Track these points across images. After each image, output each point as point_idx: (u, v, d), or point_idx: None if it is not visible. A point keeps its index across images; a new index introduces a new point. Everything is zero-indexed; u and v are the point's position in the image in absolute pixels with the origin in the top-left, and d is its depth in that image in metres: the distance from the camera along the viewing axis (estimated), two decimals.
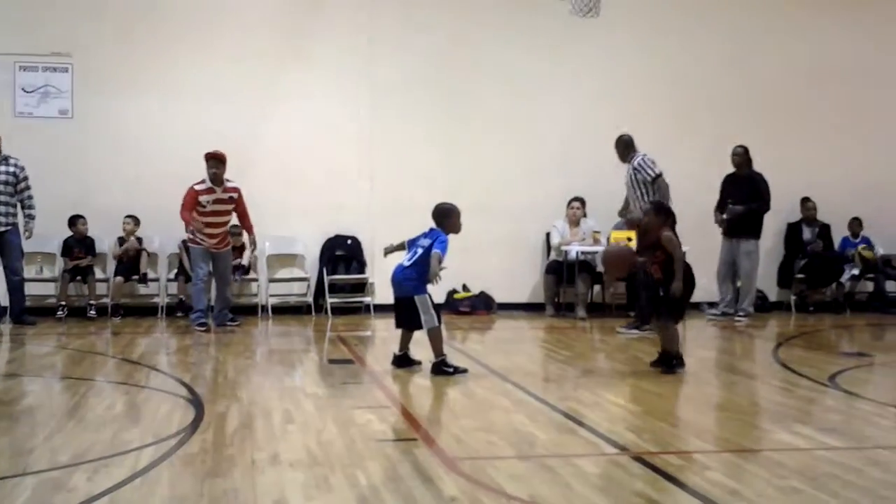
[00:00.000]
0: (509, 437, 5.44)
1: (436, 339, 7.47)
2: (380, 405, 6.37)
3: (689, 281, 7.74)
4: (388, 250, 7.96)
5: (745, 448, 5.39)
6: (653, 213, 7.77)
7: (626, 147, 10.81)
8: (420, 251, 7.50)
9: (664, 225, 7.62)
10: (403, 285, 7.54)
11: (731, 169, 12.17)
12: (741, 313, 11.93)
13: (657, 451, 5.11)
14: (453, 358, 7.79)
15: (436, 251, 7.39)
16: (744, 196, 11.88)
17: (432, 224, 7.85)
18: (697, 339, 10.83)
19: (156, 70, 12.23)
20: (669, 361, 7.64)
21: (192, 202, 10.45)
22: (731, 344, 10.55)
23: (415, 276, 7.46)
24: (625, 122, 11.79)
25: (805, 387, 7.28)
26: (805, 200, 13.20)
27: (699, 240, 12.37)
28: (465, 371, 7.49)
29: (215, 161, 10.50)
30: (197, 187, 10.50)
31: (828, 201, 13.17)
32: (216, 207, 10.57)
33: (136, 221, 11.91)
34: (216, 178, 10.51)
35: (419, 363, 7.73)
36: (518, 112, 12.80)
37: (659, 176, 10.50)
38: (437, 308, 7.66)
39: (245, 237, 11.44)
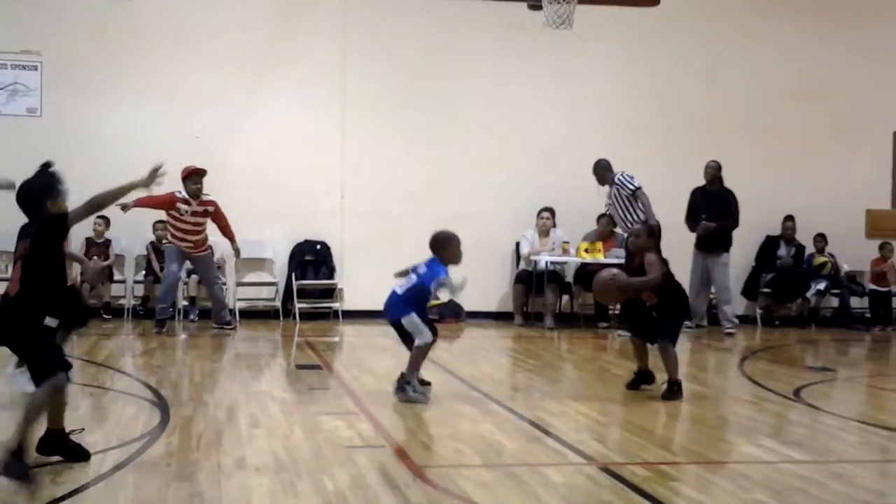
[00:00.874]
0: (477, 446, 5.44)
1: (417, 357, 6.98)
2: (347, 411, 6.35)
3: (683, 303, 7.57)
4: (398, 274, 7.62)
5: (711, 460, 5.42)
6: (644, 235, 7.40)
7: (605, 171, 11.09)
8: (415, 280, 7.08)
9: (653, 247, 7.35)
10: (390, 310, 7.13)
11: (693, 180, 12.21)
12: (729, 325, 11.91)
13: (624, 461, 5.13)
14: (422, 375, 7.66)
15: (441, 279, 7.12)
16: (715, 211, 11.92)
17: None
18: None
19: (128, 71, 12.13)
20: (672, 387, 7.15)
21: (165, 200, 10.38)
22: (697, 357, 10.61)
23: (401, 302, 7.07)
24: (598, 135, 11.89)
25: (770, 400, 7.33)
26: (787, 219, 13.20)
27: (670, 253, 12.50)
28: (423, 399, 6.81)
29: (197, 177, 10.56)
30: (178, 195, 10.51)
31: (798, 217, 13.21)
32: (192, 219, 10.67)
33: (107, 223, 11.80)
34: (197, 193, 10.56)
35: (429, 384, 7.27)
36: (490, 122, 12.81)
37: (639, 188, 10.78)
38: (432, 323, 7.35)
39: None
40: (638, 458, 5.20)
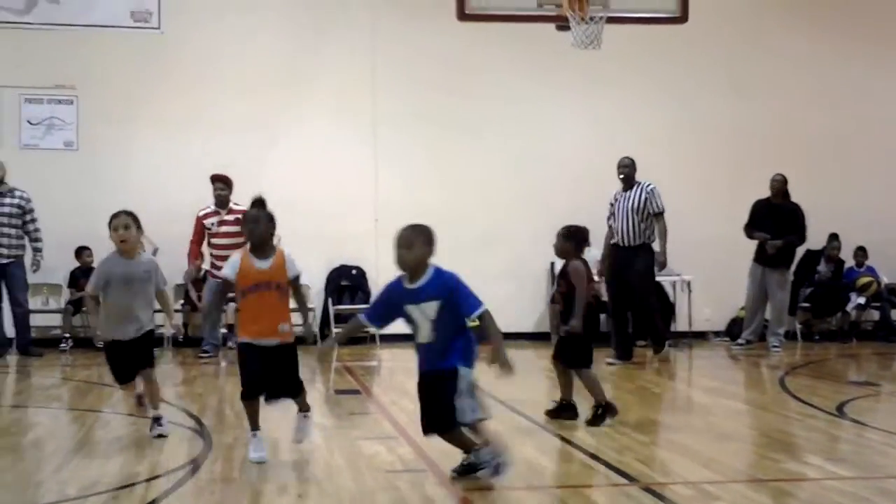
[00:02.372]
0: (518, 468, 5.41)
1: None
2: (387, 436, 6.36)
3: (593, 320, 6.93)
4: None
5: (754, 478, 5.36)
6: (562, 238, 6.89)
7: (635, 171, 10.53)
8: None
9: (577, 253, 6.84)
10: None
11: (741, 195, 12.06)
12: (776, 343, 11.63)
13: (666, 481, 5.10)
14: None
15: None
16: (780, 225, 11.56)
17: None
18: (704, 368, 10.83)
19: (161, 102, 12.31)
20: (596, 411, 6.67)
21: (198, 231, 10.51)
22: (737, 373, 10.53)
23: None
24: (633, 152, 11.80)
25: (814, 416, 7.25)
26: (832, 238, 13.01)
27: (707, 267, 12.45)
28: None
29: (221, 183, 10.55)
30: (201, 213, 10.54)
31: (838, 229, 13.07)
32: (223, 230, 10.56)
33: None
34: (221, 200, 10.52)
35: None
36: (522, 143, 12.85)
37: (664, 211, 10.38)
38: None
39: None
40: (681, 478, 5.17)
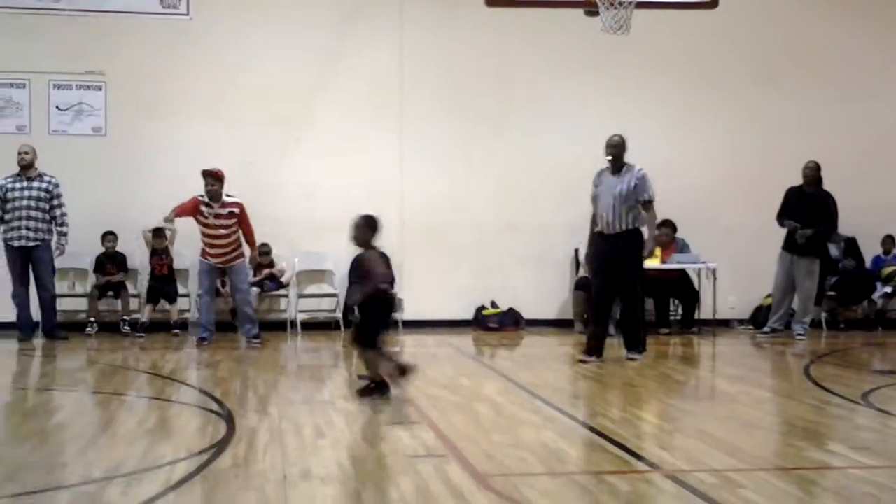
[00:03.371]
0: (540, 454, 5.42)
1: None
2: (409, 421, 6.38)
3: (386, 307, 7.38)
4: None
5: (778, 466, 5.34)
6: (359, 227, 7.29)
7: (624, 150, 9.40)
8: None
9: (372, 242, 7.28)
10: None
11: (769, 182, 11.95)
12: (801, 331, 11.52)
13: (689, 468, 5.08)
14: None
15: None
16: (811, 213, 11.39)
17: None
18: (728, 356, 10.78)
19: (188, 89, 12.34)
20: (369, 385, 7.19)
21: (190, 206, 10.49)
22: (762, 361, 10.48)
23: None
24: (658, 140, 11.76)
25: (838, 405, 7.21)
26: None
27: (732, 254, 12.38)
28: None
29: (212, 178, 10.50)
30: (200, 197, 10.57)
31: (855, 213, 12.86)
32: (216, 221, 10.56)
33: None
34: (213, 195, 10.52)
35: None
36: (547, 130, 12.79)
37: (653, 199, 9.31)
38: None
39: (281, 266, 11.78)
40: (704, 466, 5.15)
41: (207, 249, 10.67)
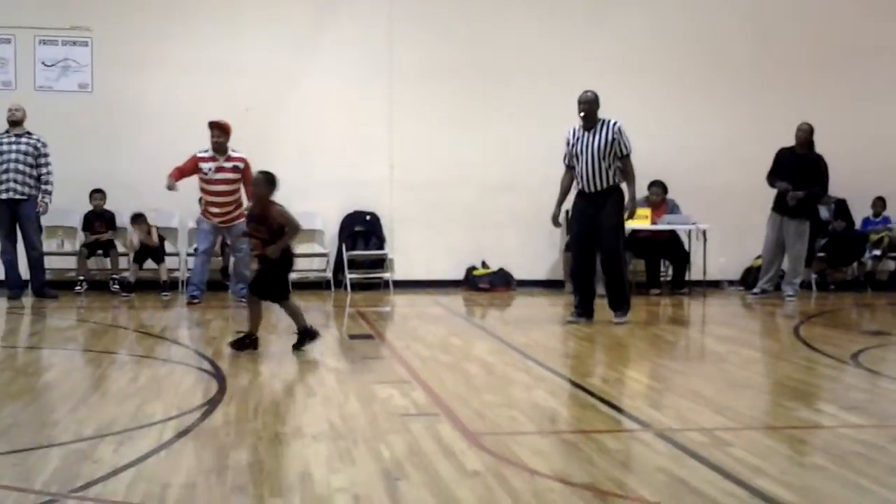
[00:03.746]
0: (531, 413, 5.44)
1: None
2: (401, 380, 6.38)
3: (288, 259, 7.59)
4: None
5: (767, 425, 5.37)
6: (263, 183, 7.38)
7: (598, 106, 9.11)
8: None
9: (271, 197, 7.39)
10: None
11: (760, 143, 11.91)
12: (790, 292, 11.54)
13: (680, 427, 5.10)
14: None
15: None
16: (802, 175, 11.37)
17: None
18: (719, 317, 10.82)
19: (177, 44, 12.23)
20: (302, 337, 7.52)
21: (190, 165, 10.42)
22: (752, 322, 10.52)
23: None
24: (650, 102, 11.70)
25: (827, 365, 7.25)
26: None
27: (723, 215, 12.38)
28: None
29: (218, 130, 10.39)
30: (200, 154, 10.46)
31: (845, 175, 12.80)
32: (219, 176, 10.45)
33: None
34: (218, 146, 10.42)
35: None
36: (540, 91, 12.71)
37: (630, 153, 9.06)
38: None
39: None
40: (694, 425, 5.17)
41: (209, 208, 10.62)
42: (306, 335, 7.53)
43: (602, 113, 9.06)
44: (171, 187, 10.43)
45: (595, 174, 8.93)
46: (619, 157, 8.95)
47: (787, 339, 8.85)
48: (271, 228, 7.32)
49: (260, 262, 7.55)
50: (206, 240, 10.79)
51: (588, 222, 9.06)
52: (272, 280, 7.47)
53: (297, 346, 7.49)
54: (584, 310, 9.25)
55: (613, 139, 8.90)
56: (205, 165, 10.40)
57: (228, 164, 10.46)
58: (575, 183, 9.20)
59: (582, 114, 9.07)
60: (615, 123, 8.97)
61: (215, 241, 10.97)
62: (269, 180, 7.40)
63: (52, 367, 7.04)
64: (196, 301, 10.60)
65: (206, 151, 10.44)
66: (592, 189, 8.99)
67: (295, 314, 7.55)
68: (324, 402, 5.70)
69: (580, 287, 9.35)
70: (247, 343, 7.41)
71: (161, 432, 4.90)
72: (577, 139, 9.06)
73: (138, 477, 4.12)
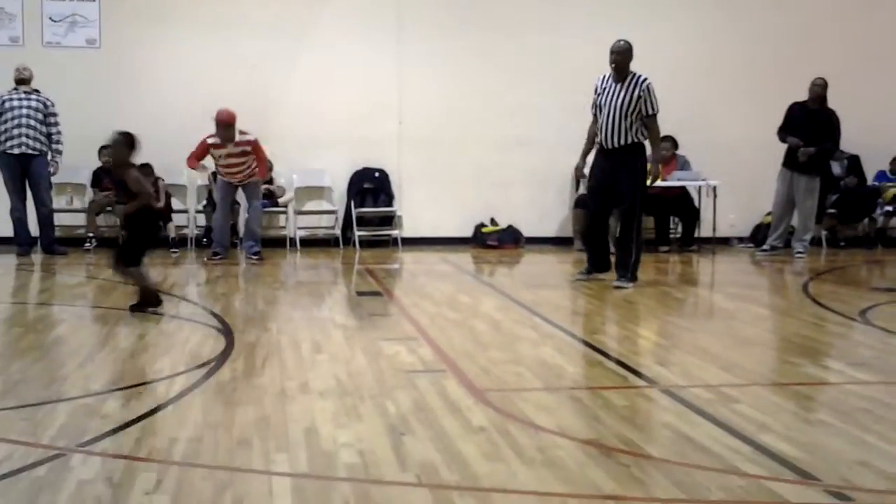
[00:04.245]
0: (537, 370, 5.45)
1: None
2: (408, 337, 6.39)
3: (152, 225, 7.48)
4: None
5: (774, 382, 5.37)
6: (120, 145, 7.02)
7: (630, 58, 8.71)
8: None
9: (130, 160, 7.08)
10: None
11: (772, 98, 11.79)
12: (800, 249, 11.43)
13: (686, 384, 5.11)
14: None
15: None
16: (814, 131, 11.20)
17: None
18: (727, 274, 10.79)
19: (186, 0, 12.15)
20: (149, 300, 7.19)
21: (201, 152, 10.56)
22: (761, 279, 10.49)
23: None
24: (661, 61, 11.55)
25: (836, 322, 7.23)
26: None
27: (734, 171, 12.28)
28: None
29: (223, 127, 10.44)
30: (210, 140, 10.53)
31: (858, 131, 12.42)
32: (230, 161, 10.65)
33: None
34: (228, 138, 10.50)
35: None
36: (550, 47, 12.56)
37: (657, 113, 8.69)
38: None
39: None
40: (700, 381, 5.18)
41: (223, 172, 10.81)
42: (151, 298, 7.18)
43: (608, 67, 8.74)
44: (196, 169, 10.83)
45: (615, 129, 8.54)
46: (644, 117, 8.55)
47: (795, 296, 8.82)
48: (130, 192, 7.11)
49: (122, 227, 7.37)
50: (221, 193, 10.92)
51: (606, 179, 8.70)
52: (127, 244, 7.34)
53: (135, 308, 7.15)
54: (598, 262, 8.99)
55: (640, 96, 8.50)
56: (216, 152, 10.58)
57: (236, 150, 10.61)
58: (591, 135, 8.89)
59: (613, 64, 8.65)
60: (644, 80, 8.57)
61: (231, 196, 11.04)
62: (126, 142, 7.00)
63: (60, 323, 7.07)
64: (218, 257, 10.67)
65: (216, 139, 10.50)
66: (611, 145, 8.59)
67: (138, 280, 7.24)
68: (331, 358, 5.72)
69: (591, 245, 9.22)
70: (143, 305, 7.17)
71: (169, 388, 4.93)
72: (605, 89, 8.67)
73: (145, 431, 4.16)
